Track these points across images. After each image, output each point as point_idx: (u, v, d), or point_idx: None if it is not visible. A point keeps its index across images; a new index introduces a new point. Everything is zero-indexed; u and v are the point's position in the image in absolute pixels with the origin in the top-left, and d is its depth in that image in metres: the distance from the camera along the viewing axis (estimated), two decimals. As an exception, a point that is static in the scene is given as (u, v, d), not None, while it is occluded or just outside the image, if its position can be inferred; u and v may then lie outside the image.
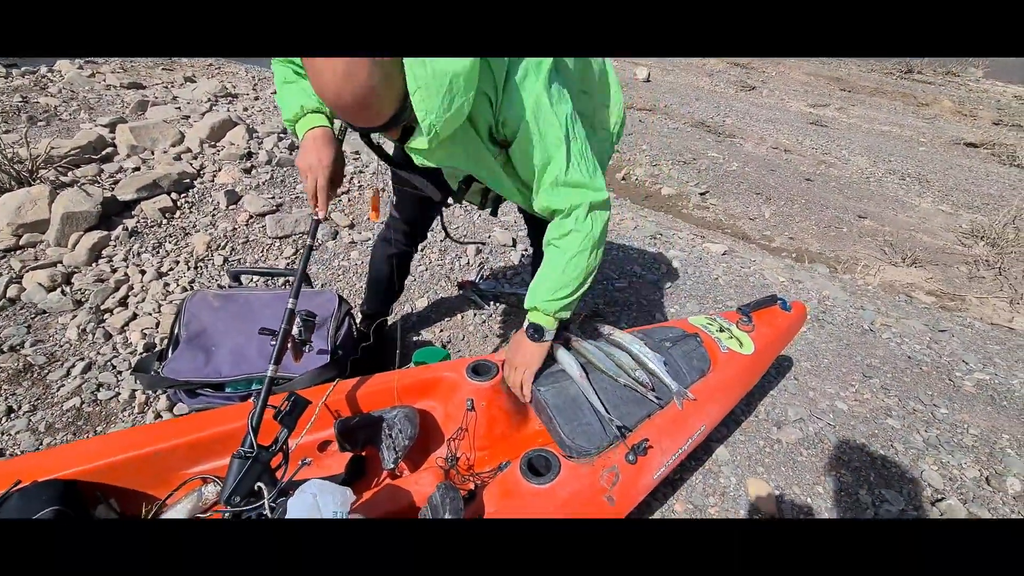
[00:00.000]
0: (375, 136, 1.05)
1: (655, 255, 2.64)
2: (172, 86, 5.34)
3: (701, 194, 6.82)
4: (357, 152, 3.32)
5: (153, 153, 3.08)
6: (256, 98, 5.09)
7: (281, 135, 3.41)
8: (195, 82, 5.69)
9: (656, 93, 11.12)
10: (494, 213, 1.43)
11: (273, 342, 1.09)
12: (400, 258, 1.57)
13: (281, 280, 2.11)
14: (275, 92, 1.19)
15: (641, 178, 7.23)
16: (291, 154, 3.13)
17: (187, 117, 3.86)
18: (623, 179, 7.19)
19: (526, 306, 1.15)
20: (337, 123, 1.18)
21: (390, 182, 1.38)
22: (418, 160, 0.98)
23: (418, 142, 0.91)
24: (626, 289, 2.29)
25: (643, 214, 3.64)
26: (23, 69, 4.92)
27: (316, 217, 1.15)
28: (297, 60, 1.10)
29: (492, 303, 2.11)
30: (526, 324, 1.15)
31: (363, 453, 1.23)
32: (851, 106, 11.56)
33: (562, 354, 1.18)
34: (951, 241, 6.11)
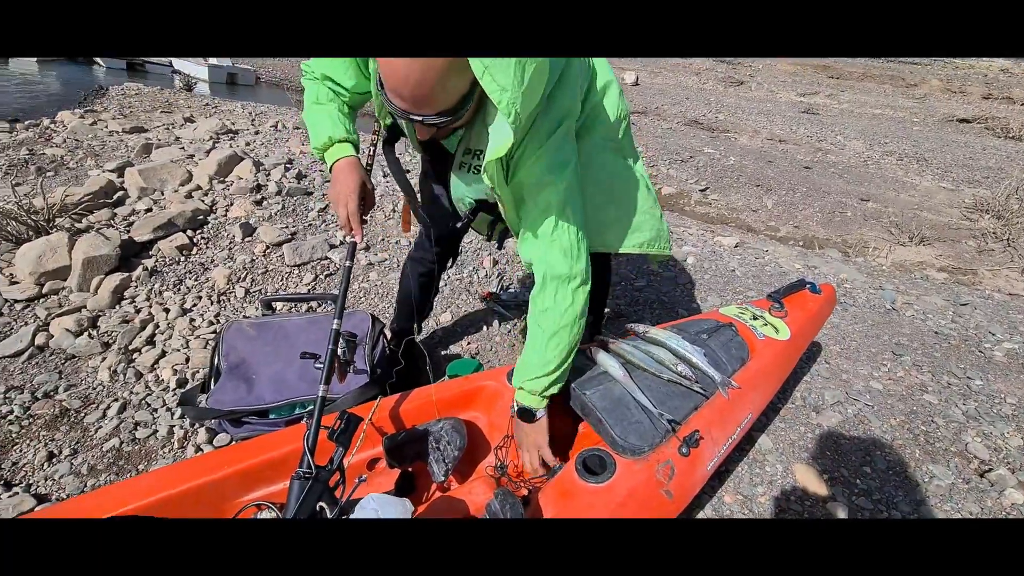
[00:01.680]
0: (404, 156, 1.08)
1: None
2: (173, 127, 5.43)
3: (701, 191, 6.86)
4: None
5: (163, 193, 3.12)
6: (256, 132, 5.16)
7: (287, 166, 3.46)
8: (194, 122, 5.78)
9: (646, 96, 11.24)
10: (500, 246, 1.44)
11: (317, 365, 1.09)
12: (429, 276, 1.59)
13: (305, 306, 2.13)
14: (300, 117, 1.21)
15: (640, 180, 7.29)
16: (299, 183, 3.17)
17: (192, 156, 3.91)
18: (622, 182, 7.25)
19: (513, 385, 1.14)
20: (363, 155, 1.20)
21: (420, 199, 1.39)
22: (487, 177, 0.98)
23: (497, 146, 0.88)
24: (646, 288, 2.30)
25: (650, 214, 3.65)
26: (27, 123, 5.01)
27: (352, 240, 1.17)
28: (333, 76, 1.10)
29: (516, 312, 2.12)
30: (515, 407, 1.14)
31: (411, 469, 1.24)
32: (841, 92, 11.66)
33: (602, 356, 1.19)
34: (956, 217, 6.12)
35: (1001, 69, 11.75)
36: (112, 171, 3.42)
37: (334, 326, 1.05)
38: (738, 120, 9.49)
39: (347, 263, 1.18)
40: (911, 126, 9.28)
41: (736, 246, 2.93)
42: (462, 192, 1.18)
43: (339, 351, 1.12)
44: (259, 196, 2.95)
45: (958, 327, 2.18)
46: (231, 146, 4.35)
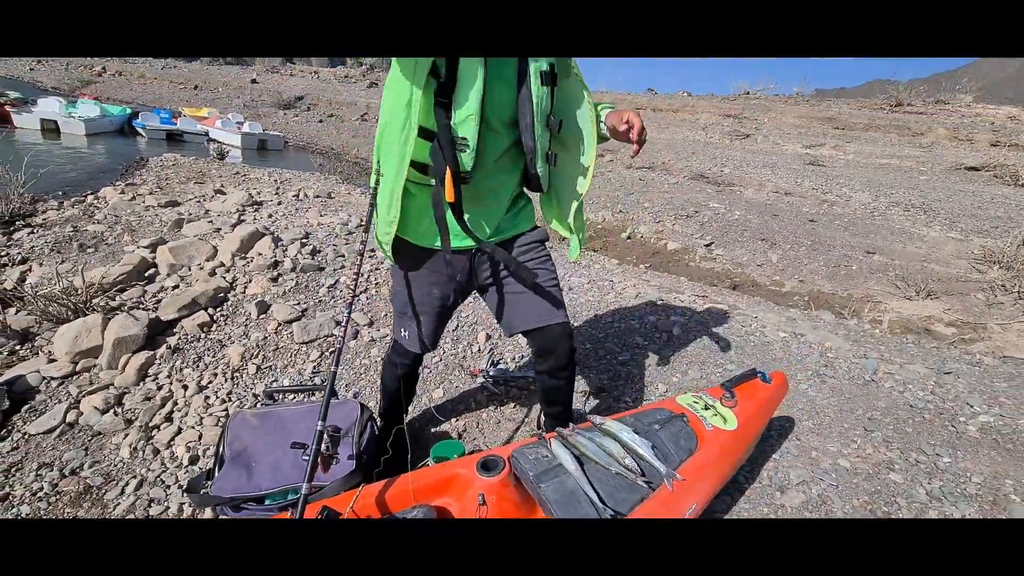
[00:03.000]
0: None
1: (656, 323, 2.77)
2: (204, 199, 5.87)
3: (707, 246, 7.00)
4: (373, 249, 3.61)
5: (191, 269, 3.40)
6: (279, 203, 5.55)
7: (304, 241, 3.74)
8: (225, 193, 6.24)
9: (653, 150, 11.61)
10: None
11: (305, 457, 1.24)
12: (409, 378, 1.74)
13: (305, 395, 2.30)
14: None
15: (647, 235, 7.46)
16: (313, 259, 3.42)
17: (219, 229, 4.25)
18: (628, 238, 7.43)
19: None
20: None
21: (409, 303, 1.49)
22: None
23: None
24: (629, 362, 2.42)
25: (645, 278, 3.80)
26: (73, 200, 5.50)
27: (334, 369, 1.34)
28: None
29: (503, 388, 2.26)
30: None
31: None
32: (846, 143, 11.85)
33: (558, 449, 1.31)
34: (964, 268, 6.10)
35: (1008, 116, 11.84)
36: (146, 247, 3.74)
37: (317, 427, 1.21)
38: (744, 173, 9.71)
39: (333, 368, 1.34)
40: (918, 175, 9.36)
41: (725, 313, 3.04)
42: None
43: (323, 447, 1.27)
44: (275, 273, 3.21)
45: (936, 399, 2.22)
46: (255, 219, 4.70)
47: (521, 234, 1.45)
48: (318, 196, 6.16)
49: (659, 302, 3.12)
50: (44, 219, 4.69)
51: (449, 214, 1.25)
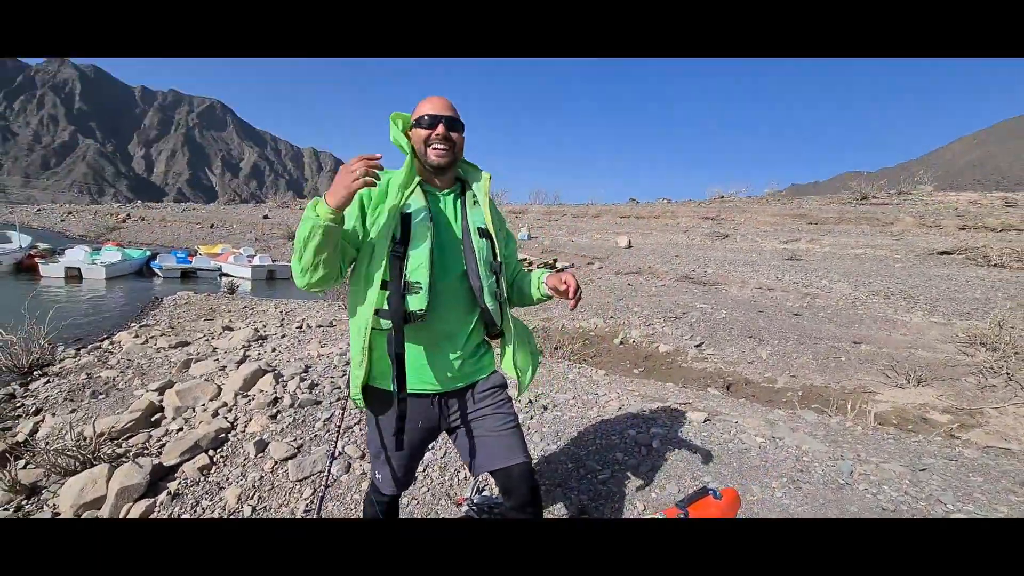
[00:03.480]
0: None
1: (636, 437, 2.88)
2: (212, 337, 6.20)
3: (697, 346, 7.17)
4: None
5: (195, 411, 3.58)
6: (283, 336, 5.85)
7: (303, 375, 3.96)
8: (232, 329, 6.59)
9: (639, 256, 12.26)
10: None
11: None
12: (389, 514, 1.77)
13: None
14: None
15: (638, 340, 7.68)
16: (311, 392, 3.61)
17: (224, 368, 4.49)
18: (620, 343, 7.64)
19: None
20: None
21: (381, 448, 1.57)
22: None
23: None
24: (609, 480, 2.50)
25: (631, 388, 3.94)
26: (89, 346, 5.82)
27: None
28: None
29: (488, 516, 2.33)
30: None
31: None
32: (821, 236, 12.53)
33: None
34: (951, 352, 6.21)
35: (970, 201, 12.63)
36: (155, 390, 3.95)
37: None
38: (727, 272, 10.15)
39: (316, 515, 1.48)
40: (893, 263, 9.78)
41: (705, 421, 3.15)
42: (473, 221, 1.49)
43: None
44: (275, 410, 3.38)
45: (909, 499, 2.27)
46: (259, 354, 4.96)
47: (482, 379, 1.62)
48: (320, 326, 6.49)
49: (642, 413, 3.24)
50: (61, 368, 4.96)
51: (411, 360, 1.46)
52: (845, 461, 2.63)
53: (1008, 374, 5.42)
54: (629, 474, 2.56)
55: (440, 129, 1.40)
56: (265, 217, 28.60)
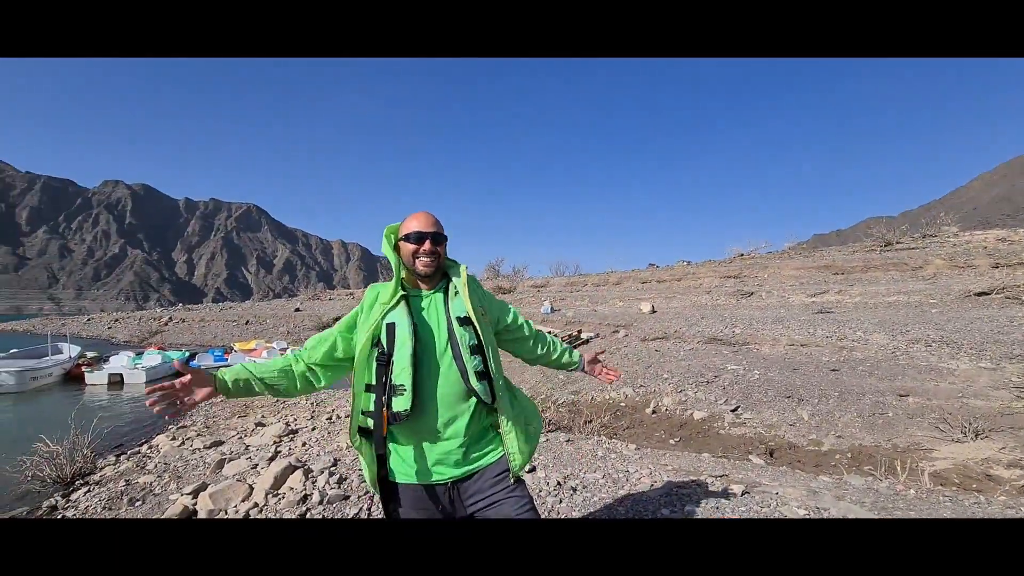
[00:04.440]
0: None
1: (669, 517, 2.77)
2: (246, 434, 6.30)
3: (733, 411, 6.91)
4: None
5: (227, 512, 3.60)
6: (313, 428, 5.92)
7: (332, 469, 3.97)
8: (264, 425, 6.70)
9: (663, 321, 12.14)
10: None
11: None
12: None
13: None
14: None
15: (671, 407, 7.45)
16: (339, 488, 3.61)
17: (256, 466, 4.54)
18: (653, 412, 7.41)
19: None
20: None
21: None
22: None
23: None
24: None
25: (663, 462, 3.81)
26: (129, 452, 5.98)
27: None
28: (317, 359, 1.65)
29: None
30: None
31: None
32: (850, 286, 12.26)
33: None
34: (1007, 399, 5.82)
35: (998, 239, 12.32)
36: (189, 494, 4.00)
37: None
38: (755, 331, 9.94)
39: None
40: (929, 309, 9.45)
41: (743, 494, 3.01)
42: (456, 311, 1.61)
43: None
44: (304, 508, 3.38)
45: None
46: (290, 449, 5.01)
47: (492, 463, 1.63)
48: (348, 416, 6.55)
49: (676, 490, 3.13)
50: (101, 476, 5.08)
51: (415, 453, 1.56)
52: (897, 530, 2.46)
53: (1075, 419, 5.03)
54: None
55: (427, 245, 1.59)
56: (297, 310, 29.63)
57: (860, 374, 7.14)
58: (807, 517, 2.36)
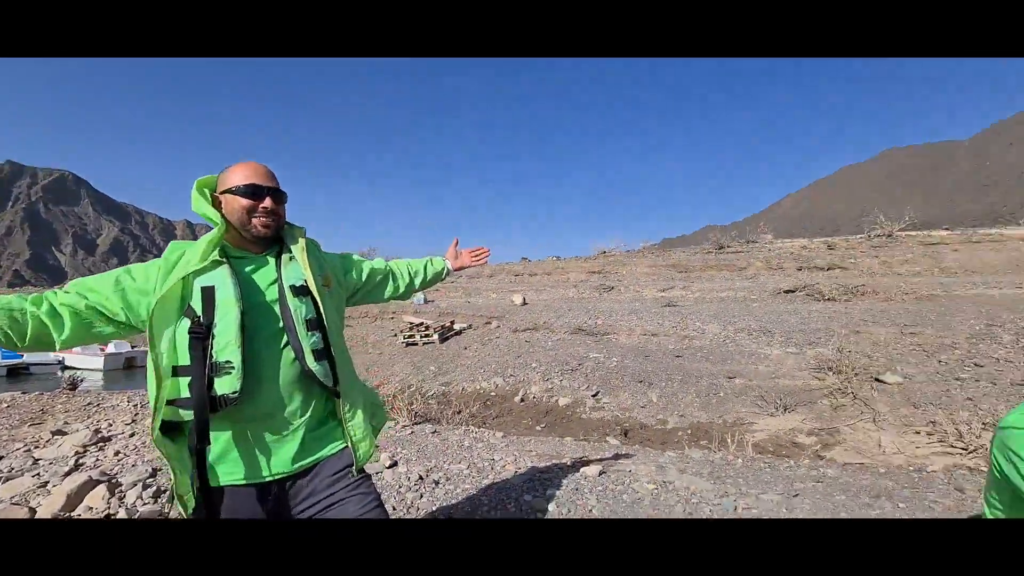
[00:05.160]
0: None
1: (532, 503, 2.76)
2: (37, 445, 5.11)
3: (593, 396, 7.34)
4: None
5: (-6, 547, 2.84)
6: (132, 434, 5.01)
7: (148, 481, 3.35)
8: (65, 433, 5.51)
9: (534, 313, 12.57)
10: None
11: None
12: None
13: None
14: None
15: (538, 395, 7.69)
16: (156, 502, 3.05)
17: (45, 484, 3.67)
18: (521, 400, 7.60)
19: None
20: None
21: None
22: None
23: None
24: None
25: (528, 448, 3.84)
26: None
27: None
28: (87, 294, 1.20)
29: None
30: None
31: None
32: (691, 283, 13.85)
33: None
34: (807, 379, 6.98)
35: (801, 247, 14.81)
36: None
37: None
38: (614, 321, 10.71)
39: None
40: (751, 303, 10.98)
41: (600, 474, 3.12)
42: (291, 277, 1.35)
43: None
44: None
45: (786, 526, 2.40)
46: (96, 461, 4.17)
47: (332, 456, 1.39)
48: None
49: (539, 475, 3.15)
50: None
51: (237, 447, 1.25)
52: (728, 498, 2.71)
53: (853, 394, 6.18)
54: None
55: (267, 203, 1.32)
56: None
57: (699, 359, 8.04)
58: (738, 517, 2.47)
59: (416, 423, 4.98)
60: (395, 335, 11.78)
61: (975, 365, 6.27)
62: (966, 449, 4.40)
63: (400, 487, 3.02)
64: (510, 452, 3.71)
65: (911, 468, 3.86)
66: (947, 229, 15.05)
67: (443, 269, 1.87)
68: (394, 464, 3.39)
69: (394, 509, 2.75)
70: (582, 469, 3.21)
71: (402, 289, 1.75)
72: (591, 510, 2.64)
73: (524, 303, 13.42)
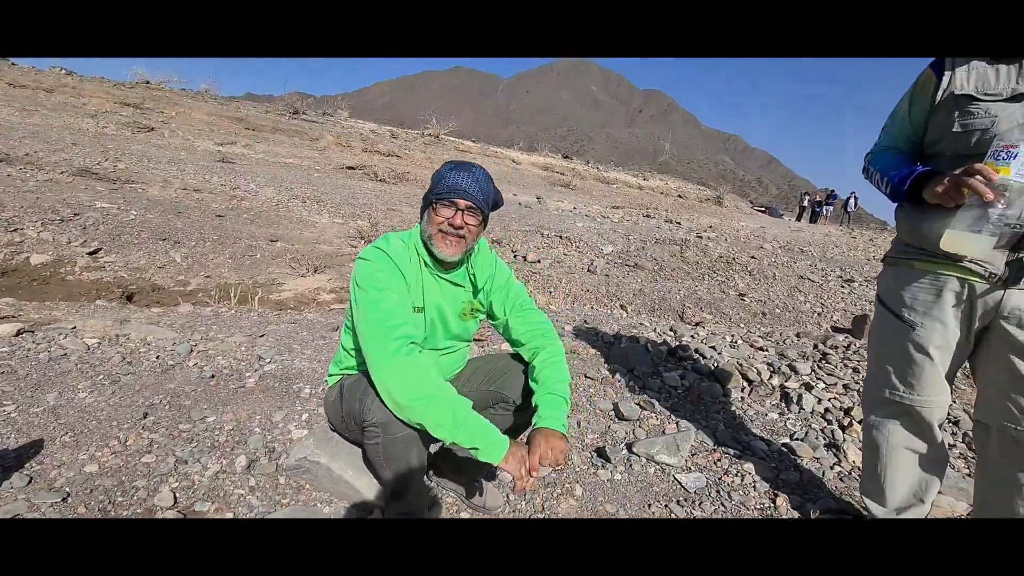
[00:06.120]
0: None
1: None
2: None
3: (91, 253, 5.84)
4: None
5: None
6: None
7: None
8: None
9: (11, 139, 8.73)
10: None
11: None
12: None
13: None
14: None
15: (-7, 251, 5.50)
16: None
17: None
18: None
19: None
20: None
21: None
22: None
23: None
24: None
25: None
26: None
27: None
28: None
29: None
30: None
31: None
32: (257, 143, 12.64)
33: None
34: (344, 245, 7.66)
35: (371, 130, 15.75)
36: None
37: None
38: (145, 169, 8.73)
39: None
40: (313, 174, 11.00)
41: (19, 334, 2.44)
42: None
43: None
44: None
45: (235, 361, 2.48)
46: None
47: None
48: None
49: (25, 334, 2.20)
50: None
51: None
52: (183, 344, 2.60)
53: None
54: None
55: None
56: None
57: (244, 221, 7.54)
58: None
59: None
60: None
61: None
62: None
63: None
64: None
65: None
66: (473, 141, 19.01)
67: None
68: None
69: None
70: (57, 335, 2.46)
71: None
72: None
73: (-9, 122, 9.17)
